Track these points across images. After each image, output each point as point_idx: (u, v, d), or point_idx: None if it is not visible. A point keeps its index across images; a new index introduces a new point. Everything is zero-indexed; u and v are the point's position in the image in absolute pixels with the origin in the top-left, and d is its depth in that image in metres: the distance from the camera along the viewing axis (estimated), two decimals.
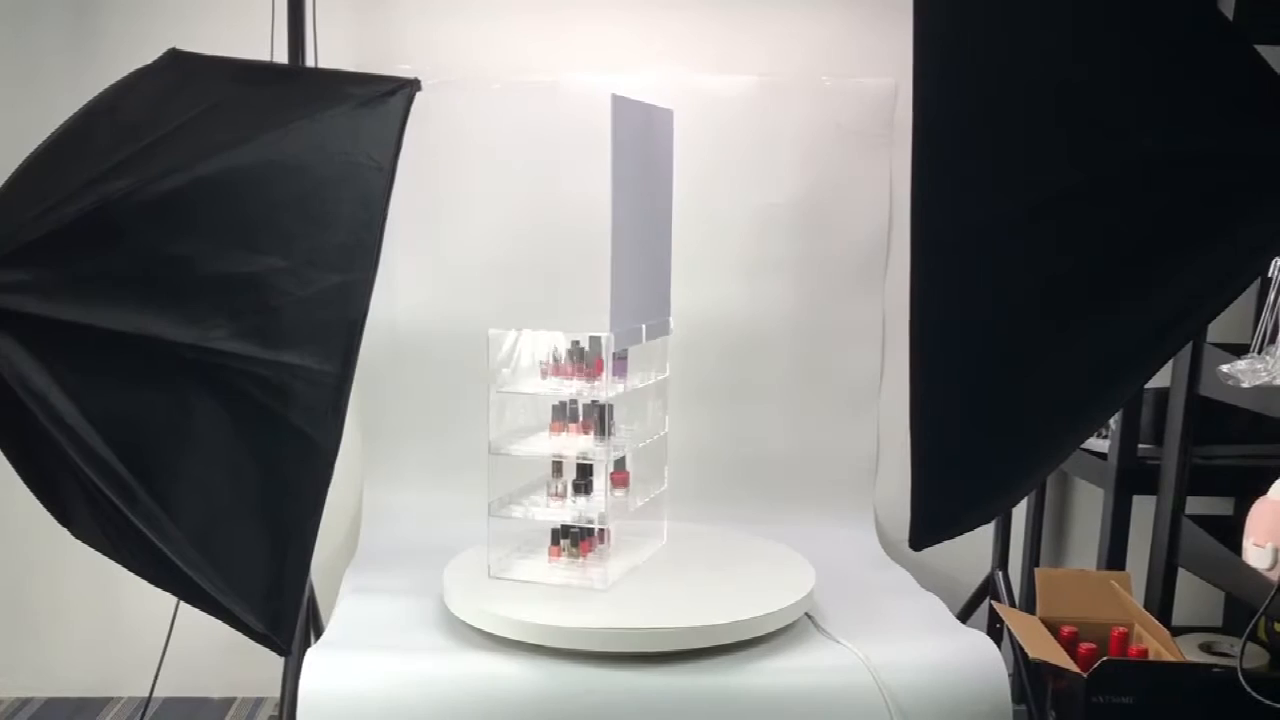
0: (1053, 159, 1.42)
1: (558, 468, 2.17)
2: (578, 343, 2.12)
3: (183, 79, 1.70)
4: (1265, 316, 1.90)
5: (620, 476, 2.25)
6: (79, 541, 1.68)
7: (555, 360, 2.15)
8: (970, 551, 2.63)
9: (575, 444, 2.14)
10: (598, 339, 2.10)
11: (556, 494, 2.17)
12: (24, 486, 1.65)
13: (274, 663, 2.05)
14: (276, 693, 2.25)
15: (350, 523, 2.77)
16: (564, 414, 2.16)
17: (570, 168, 2.61)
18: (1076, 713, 1.90)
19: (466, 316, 2.64)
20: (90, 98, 1.73)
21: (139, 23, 2.65)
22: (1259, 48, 1.41)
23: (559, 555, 2.17)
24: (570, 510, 2.15)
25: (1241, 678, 1.74)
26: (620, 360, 2.16)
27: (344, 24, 2.64)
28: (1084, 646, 2.01)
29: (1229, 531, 1.99)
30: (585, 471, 2.16)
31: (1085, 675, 1.86)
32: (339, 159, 1.54)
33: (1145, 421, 2.42)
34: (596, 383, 2.11)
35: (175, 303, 1.50)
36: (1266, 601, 1.79)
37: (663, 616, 1.99)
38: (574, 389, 2.13)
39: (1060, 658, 1.96)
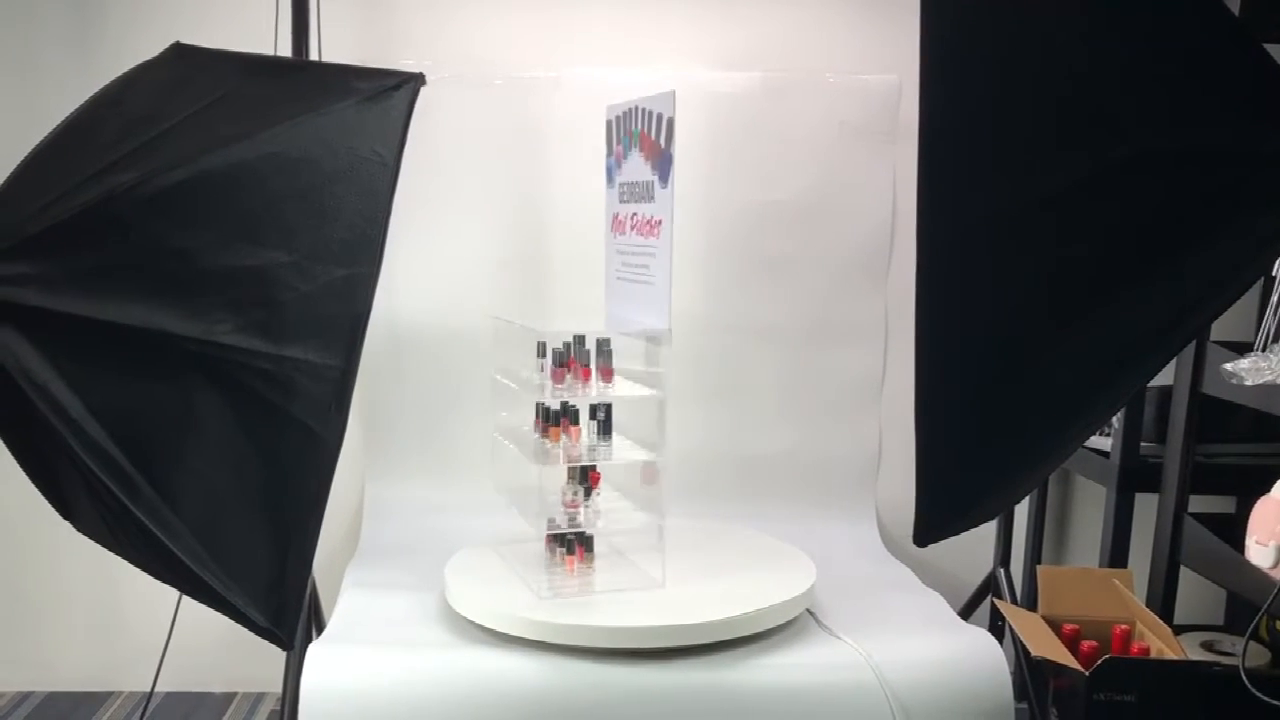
0: (1058, 156, 1.42)
1: (572, 473, 2.13)
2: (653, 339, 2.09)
3: (187, 72, 1.70)
4: (1269, 315, 1.91)
5: (594, 476, 2.22)
6: (80, 535, 1.68)
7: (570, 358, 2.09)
8: (972, 549, 2.63)
9: (580, 446, 2.10)
10: (659, 333, 2.06)
11: (573, 502, 2.13)
12: (25, 480, 1.65)
13: (275, 658, 2.05)
14: (277, 688, 2.26)
15: (352, 518, 2.77)
16: (564, 416, 2.10)
17: (573, 164, 2.61)
18: (1078, 710, 1.90)
19: (468, 312, 2.64)
20: (93, 92, 1.73)
21: (141, 17, 2.64)
22: (1266, 46, 1.41)
23: (573, 565, 2.14)
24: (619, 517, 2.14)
25: (1244, 676, 1.74)
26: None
27: (347, 19, 2.64)
28: (1086, 644, 2.01)
29: (1231, 530, 1.99)
30: (585, 475, 2.14)
31: (1087, 673, 1.86)
32: (343, 153, 1.53)
33: (1148, 419, 2.42)
34: (591, 385, 2.07)
35: (179, 296, 1.50)
36: (1269, 600, 1.78)
37: (664, 612, 1.99)
38: (585, 388, 2.09)
39: (1062, 655, 1.96)
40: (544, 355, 2.12)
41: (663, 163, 2.08)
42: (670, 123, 2.03)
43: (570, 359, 2.06)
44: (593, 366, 2.08)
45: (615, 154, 2.30)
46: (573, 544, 2.13)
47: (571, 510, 2.12)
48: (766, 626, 2.03)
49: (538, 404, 2.13)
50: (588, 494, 2.14)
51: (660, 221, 2.09)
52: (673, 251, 2.05)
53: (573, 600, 2.05)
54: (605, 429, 2.09)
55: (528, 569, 2.15)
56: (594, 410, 2.09)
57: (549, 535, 2.14)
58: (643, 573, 2.14)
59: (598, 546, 2.18)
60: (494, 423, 2.21)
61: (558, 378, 2.06)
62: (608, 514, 2.14)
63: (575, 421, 2.10)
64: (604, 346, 2.08)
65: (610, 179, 2.34)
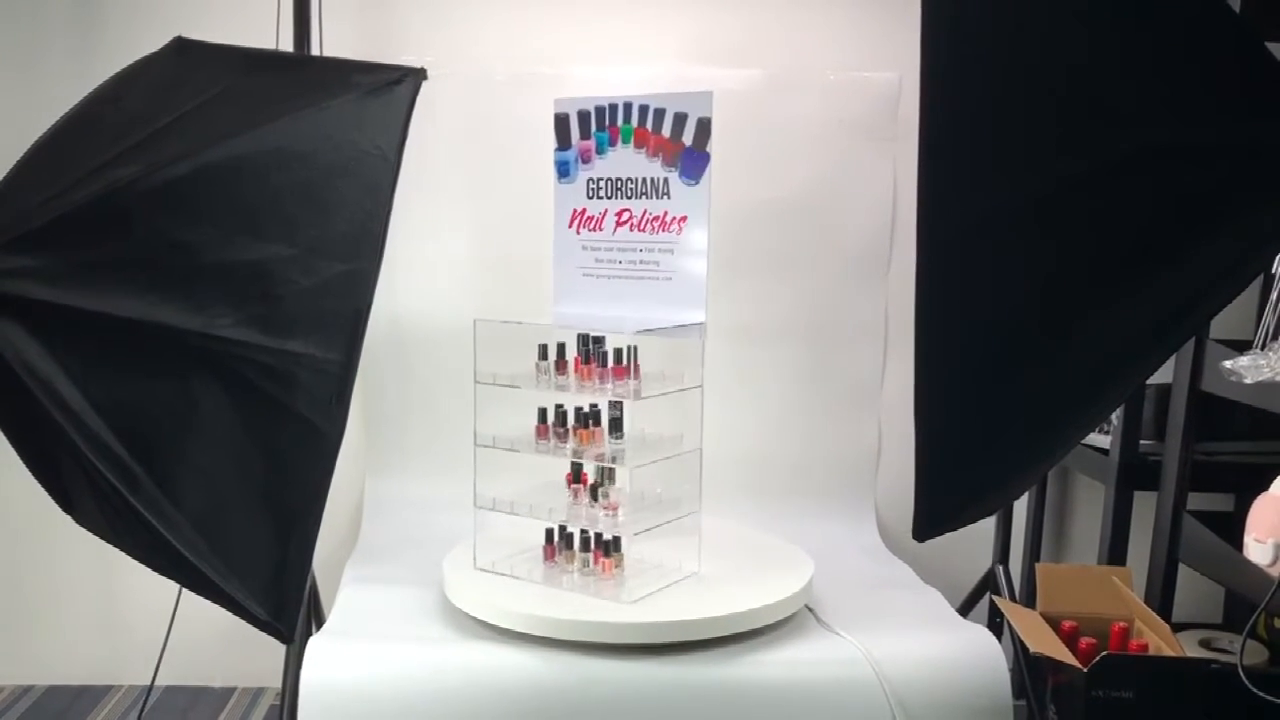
0: (1057, 153, 1.42)
1: (608, 474, 2.12)
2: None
3: (188, 67, 1.70)
4: (1268, 313, 1.90)
5: (584, 477, 2.20)
6: (81, 529, 1.68)
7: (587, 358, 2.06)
8: (971, 546, 2.63)
9: (593, 449, 2.09)
10: (696, 328, 2.07)
11: (610, 504, 2.10)
12: (26, 474, 1.65)
13: (274, 653, 2.05)
14: (277, 683, 2.26)
15: (352, 513, 2.77)
16: (581, 419, 2.08)
17: None
18: (1076, 707, 1.90)
19: (470, 308, 2.63)
20: (94, 86, 1.73)
21: (142, 11, 2.65)
22: (1268, 45, 1.41)
23: (611, 569, 2.10)
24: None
25: (1242, 673, 1.74)
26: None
27: (348, 14, 2.64)
28: (1084, 641, 2.01)
29: (1230, 527, 1.99)
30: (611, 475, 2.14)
31: (1085, 670, 1.87)
32: (345, 147, 1.54)
33: (1147, 417, 2.42)
34: (626, 383, 2.05)
35: (181, 290, 1.50)
36: (1267, 597, 1.79)
37: (663, 608, 1.99)
38: (603, 390, 2.07)
39: (1060, 652, 1.96)
40: (545, 358, 2.11)
41: (691, 161, 2.12)
42: (704, 122, 2.08)
43: (592, 358, 2.05)
44: (627, 364, 2.06)
45: (580, 148, 2.28)
46: (609, 547, 2.10)
47: (611, 512, 2.10)
48: (765, 623, 2.03)
49: (541, 408, 2.11)
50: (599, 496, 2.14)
51: (685, 218, 2.14)
52: (710, 247, 2.11)
53: (573, 594, 2.05)
54: (617, 428, 2.08)
55: (538, 570, 2.14)
56: (594, 409, 2.09)
57: (573, 538, 2.14)
58: (671, 568, 2.14)
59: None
60: (478, 431, 2.15)
61: (602, 377, 2.04)
62: (637, 514, 2.11)
63: (598, 422, 2.09)
64: (600, 345, 2.08)
65: (568, 172, 2.31)
